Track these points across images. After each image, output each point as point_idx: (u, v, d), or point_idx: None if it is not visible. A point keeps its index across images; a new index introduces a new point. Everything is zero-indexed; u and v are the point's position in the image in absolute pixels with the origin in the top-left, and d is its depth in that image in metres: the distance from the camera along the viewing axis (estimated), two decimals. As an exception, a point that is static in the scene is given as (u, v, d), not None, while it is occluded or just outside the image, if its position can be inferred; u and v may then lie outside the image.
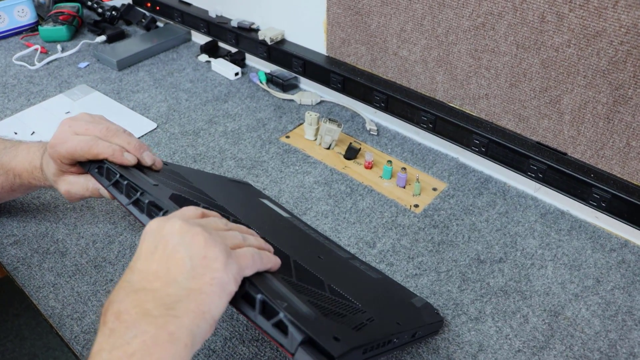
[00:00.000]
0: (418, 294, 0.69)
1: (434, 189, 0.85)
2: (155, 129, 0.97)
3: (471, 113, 0.86)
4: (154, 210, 0.53)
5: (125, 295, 0.42)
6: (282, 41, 1.06)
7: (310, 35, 1.02)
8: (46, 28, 1.24)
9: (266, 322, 0.43)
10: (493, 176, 0.87)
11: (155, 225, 0.46)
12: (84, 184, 0.65)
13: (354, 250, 0.75)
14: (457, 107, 0.87)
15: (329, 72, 0.98)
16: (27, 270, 0.71)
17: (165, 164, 0.71)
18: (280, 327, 0.42)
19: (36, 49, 1.19)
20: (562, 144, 0.78)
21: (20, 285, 0.69)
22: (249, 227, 0.55)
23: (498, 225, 0.79)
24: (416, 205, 0.82)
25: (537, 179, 0.79)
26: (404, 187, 0.85)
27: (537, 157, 0.78)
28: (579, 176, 0.75)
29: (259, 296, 0.44)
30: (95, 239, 0.75)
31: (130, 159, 0.61)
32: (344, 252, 0.71)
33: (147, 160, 0.63)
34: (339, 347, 0.41)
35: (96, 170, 0.60)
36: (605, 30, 0.66)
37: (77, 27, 1.29)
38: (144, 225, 0.49)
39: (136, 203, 0.54)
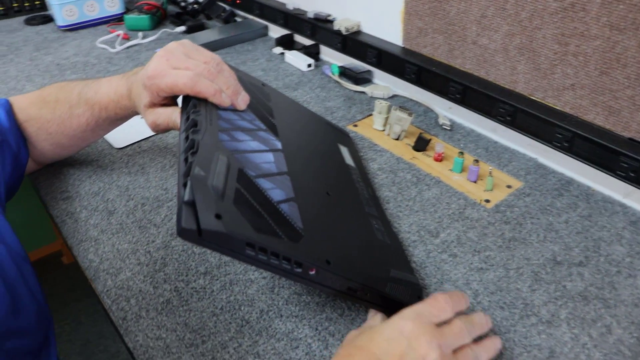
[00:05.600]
0: (483, 288, 0.61)
1: (509, 187, 0.78)
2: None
3: (554, 106, 0.78)
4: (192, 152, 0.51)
5: None
6: (358, 32, 1.03)
7: (387, 26, 0.99)
8: (131, 17, 1.28)
9: (182, 179, 0.46)
10: (575, 179, 0.79)
11: (413, 332, 0.48)
12: (170, 115, 0.64)
13: (414, 237, 0.69)
14: (539, 100, 0.80)
15: (403, 62, 0.93)
16: (73, 224, 0.71)
17: (262, 84, 0.75)
18: (185, 187, 0.45)
19: (118, 35, 1.23)
20: (660, 141, 0.69)
21: (64, 238, 0.68)
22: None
23: (579, 227, 0.70)
24: (487, 200, 0.75)
25: (627, 179, 0.71)
26: (476, 182, 0.78)
27: (630, 154, 0.69)
28: (678, 177, 0.66)
29: (190, 160, 0.48)
30: (144, 202, 0.74)
31: (227, 102, 0.61)
32: (377, 211, 0.68)
33: (241, 105, 0.63)
34: (212, 222, 0.42)
35: (186, 104, 0.60)
36: None
37: (160, 19, 1.33)
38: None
39: (186, 139, 0.53)
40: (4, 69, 1.13)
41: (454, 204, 0.74)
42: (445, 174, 0.80)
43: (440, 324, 0.50)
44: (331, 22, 1.07)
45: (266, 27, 1.25)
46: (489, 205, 0.74)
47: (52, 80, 1.07)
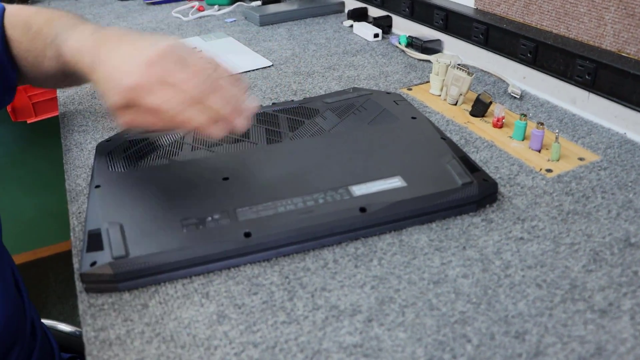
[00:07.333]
0: (518, 261, 0.48)
1: (581, 159, 0.63)
2: (269, 66, 0.90)
3: (650, 63, 0.63)
4: None
5: None
6: (429, -4, 0.93)
7: (461, -13, 0.88)
8: (211, -7, 1.26)
9: None
10: (676, 157, 0.62)
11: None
12: None
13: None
14: (630, 55, 0.64)
15: (471, 22, 0.81)
16: (78, 152, 0.68)
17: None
18: None
19: (193, 6, 1.22)
20: None
21: (64, 164, 0.65)
22: None
23: (668, 209, 0.54)
24: (549, 170, 0.61)
25: None
26: (539, 151, 0.64)
27: None
28: None
29: None
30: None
31: (219, 134, 0.49)
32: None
33: (240, 127, 0.50)
34: None
35: None
36: None
37: (240, -4, 1.30)
38: None
39: None
40: (80, 32, 1.16)
41: (504, 169, 0.61)
42: (502, 139, 0.67)
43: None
44: (402, -14, 0.97)
45: (342, 4, 1.18)
46: (550, 175, 0.60)
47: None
